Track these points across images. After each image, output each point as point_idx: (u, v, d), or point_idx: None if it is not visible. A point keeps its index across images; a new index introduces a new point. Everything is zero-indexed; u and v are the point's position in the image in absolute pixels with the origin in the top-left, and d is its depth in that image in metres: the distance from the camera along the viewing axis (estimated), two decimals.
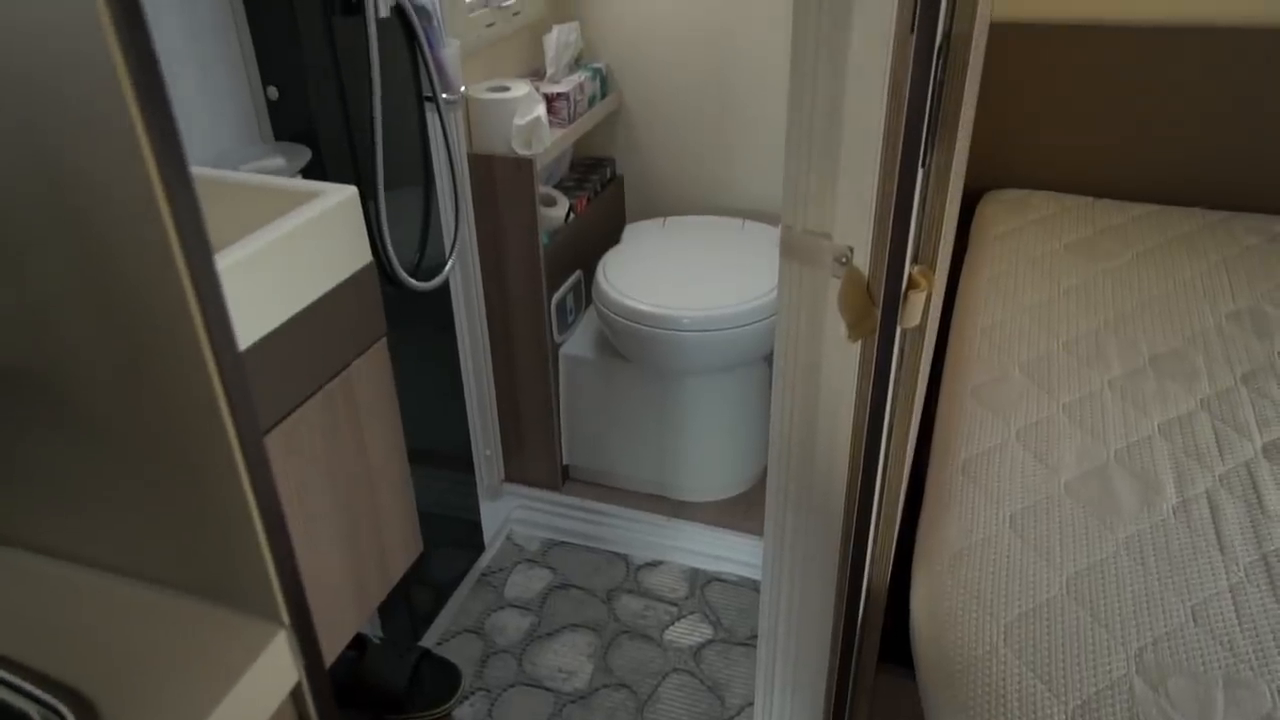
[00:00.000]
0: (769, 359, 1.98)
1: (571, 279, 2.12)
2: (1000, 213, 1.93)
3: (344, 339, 1.10)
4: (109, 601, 0.67)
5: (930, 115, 0.83)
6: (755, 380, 2.05)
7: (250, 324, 0.94)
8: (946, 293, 1.84)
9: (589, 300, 2.22)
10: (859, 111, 0.87)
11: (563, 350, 2.08)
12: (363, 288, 1.12)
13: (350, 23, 1.37)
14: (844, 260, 1.01)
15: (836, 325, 1.03)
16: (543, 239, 1.91)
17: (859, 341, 1.00)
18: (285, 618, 0.65)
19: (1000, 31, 1.93)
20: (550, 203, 2.06)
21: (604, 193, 2.25)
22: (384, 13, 1.39)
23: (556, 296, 2.03)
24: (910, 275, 0.92)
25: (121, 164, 0.54)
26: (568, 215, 2.06)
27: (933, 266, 0.96)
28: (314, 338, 1.04)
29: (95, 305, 0.61)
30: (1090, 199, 1.97)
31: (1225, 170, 1.89)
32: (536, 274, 1.92)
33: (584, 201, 2.15)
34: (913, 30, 0.77)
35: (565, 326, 2.11)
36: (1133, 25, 1.86)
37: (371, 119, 1.41)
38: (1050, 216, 1.90)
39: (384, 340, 1.18)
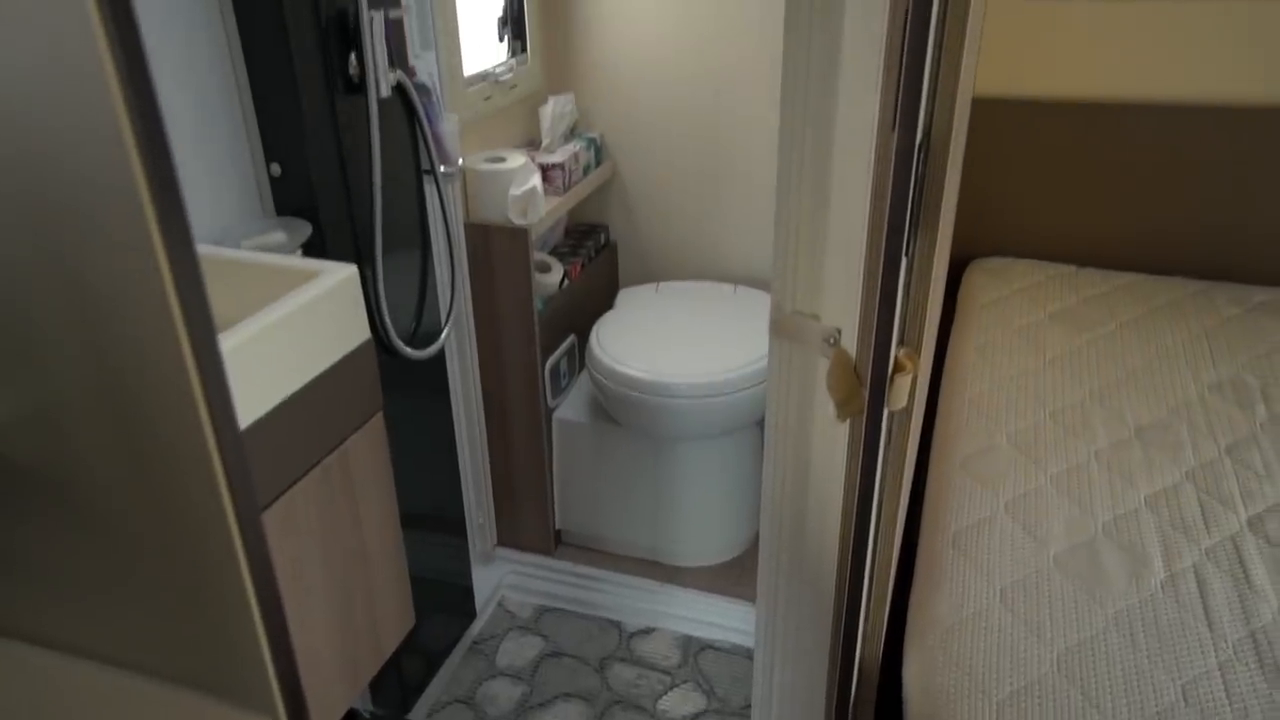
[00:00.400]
0: (761, 423, 2.00)
1: (565, 343, 2.14)
2: (986, 281, 1.96)
3: (341, 414, 1.12)
4: (105, 694, 0.67)
5: (913, 207, 0.86)
6: (748, 445, 2.06)
7: (251, 403, 0.96)
8: (935, 360, 1.87)
9: (583, 364, 2.24)
10: (844, 201, 0.91)
11: (556, 414, 2.10)
12: (361, 363, 1.14)
13: (352, 101, 1.41)
14: (832, 341, 1.03)
15: (826, 404, 1.05)
16: (537, 305, 1.94)
17: (848, 421, 1.02)
18: (280, 709, 0.66)
19: (984, 107, 1.99)
20: (545, 269, 2.09)
21: (598, 258, 2.29)
22: (385, 92, 1.43)
23: (550, 361, 2.05)
24: (896, 359, 0.94)
25: (133, 259, 0.55)
26: (562, 281, 2.09)
27: (918, 349, 0.98)
28: (312, 414, 1.05)
29: (99, 394, 0.62)
30: (1074, 268, 2.02)
31: (1204, 241, 1.94)
32: (531, 340, 1.94)
33: (578, 267, 2.18)
34: (894, 128, 0.81)
35: (559, 391, 2.13)
36: (1110, 103, 1.92)
37: (371, 194, 1.44)
38: (1035, 285, 1.94)
39: (380, 414, 1.19)
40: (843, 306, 1.00)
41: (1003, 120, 1.98)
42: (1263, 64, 1.81)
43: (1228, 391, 1.56)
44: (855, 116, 0.86)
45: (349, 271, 1.09)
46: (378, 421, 1.19)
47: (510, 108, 2.08)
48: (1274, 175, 1.85)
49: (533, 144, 2.17)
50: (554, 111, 2.10)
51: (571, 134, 2.22)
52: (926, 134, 0.86)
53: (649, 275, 2.40)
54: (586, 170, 2.17)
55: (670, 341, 1.98)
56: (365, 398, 1.16)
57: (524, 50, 2.12)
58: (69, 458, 0.65)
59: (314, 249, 1.38)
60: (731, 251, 2.31)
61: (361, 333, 1.13)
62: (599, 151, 2.25)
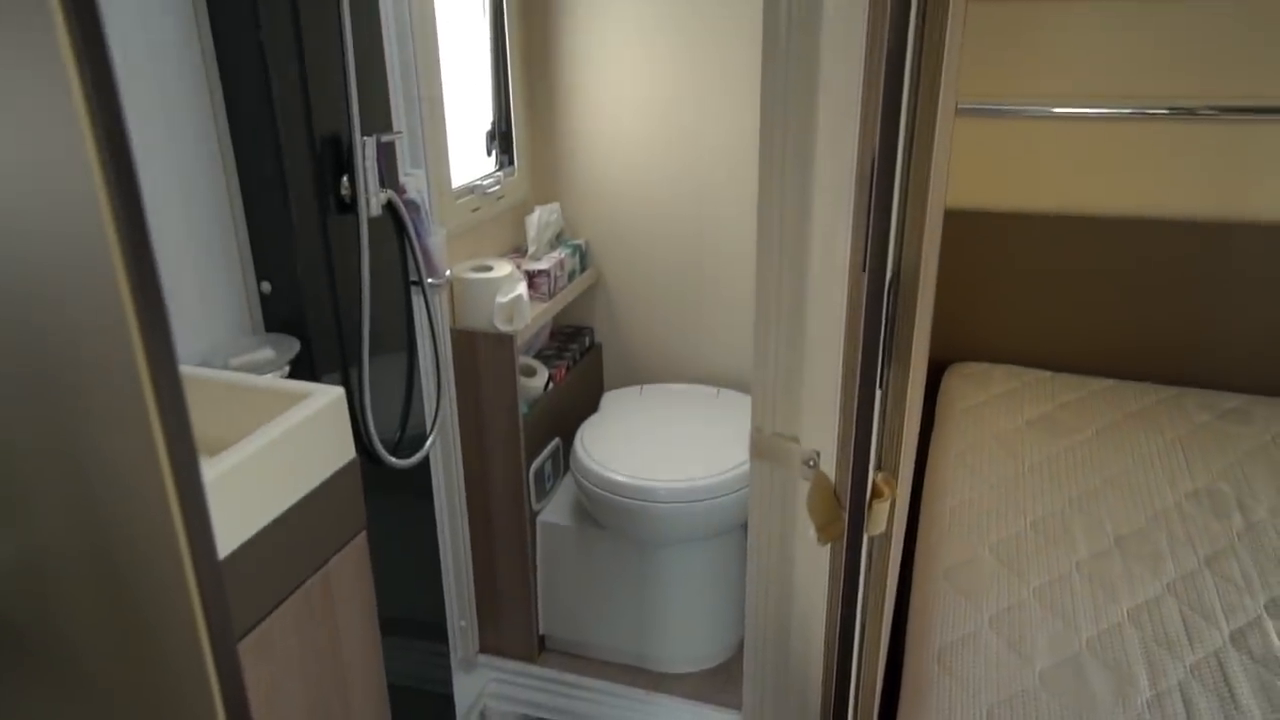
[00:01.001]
0: (746, 527, 2.00)
1: (550, 446, 2.15)
2: (964, 387, 2.00)
3: (324, 535, 1.12)
4: None
5: (885, 341, 0.89)
6: (733, 548, 2.06)
7: (234, 530, 0.96)
8: (916, 465, 1.89)
9: (567, 466, 2.24)
10: (820, 333, 0.94)
11: (540, 518, 2.09)
12: (345, 483, 1.14)
13: (343, 220, 1.45)
14: (811, 464, 1.05)
15: (807, 525, 1.06)
16: (522, 409, 1.96)
17: (829, 544, 1.03)
18: None
19: (959, 218, 2.06)
20: (530, 373, 2.11)
21: (583, 361, 2.32)
22: (376, 212, 1.48)
23: (535, 465, 2.06)
24: (874, 484, 0.96)
25: (117, 390, 0.56)
26: (547, 384, 2.11)
27: (896, 473, 1.00)
28: (295, 537, 1.06)
29: (71, 530, 0.62)
30: (1049, 373, 2.06)
31: (1173, 347, 1.99)
32: (516, 444, 1.95)
33: (563, 370, 2.21)
34: (864, 269, 0.84)
35: (543, 494, 2.13)
36: (1077, 216, 2.00)
37: (360, 310, 1.47)
38: (1012, 391, 1.98)
39: (364, 534, 1.19)
40: (821, 430, 1.02)
41: (977, 230, 2.05)
42: (1219, 184, 1.89)
43: (1204, 500, 1.59)
44: (828, 256, 0.90)
45: (336, 394, 1.10)
46: (361, 541, 1.19)
47: (497, 217, 2.14)
48: (1233, 287, 1.92)
49: (519, 251, 2.22)
50: (540, 220, 2.15)
51: (557, 241, 2.27)
52: (896, 273, 0.89)
53: (633, 377, 2.43)
54: (572, 276, 2.22)
55: (654, 445, 1.99)
56: (349, 517, 1.16)
57: (511, 163, 2.19)
58: (35, 597, 0.65)
59: (301, 363, 1.40)
60: (715, 354, 2.34)
61: (347, 452, 1.14)
62: (584, 257, 2.30)
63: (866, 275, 0.84)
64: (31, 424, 0.59)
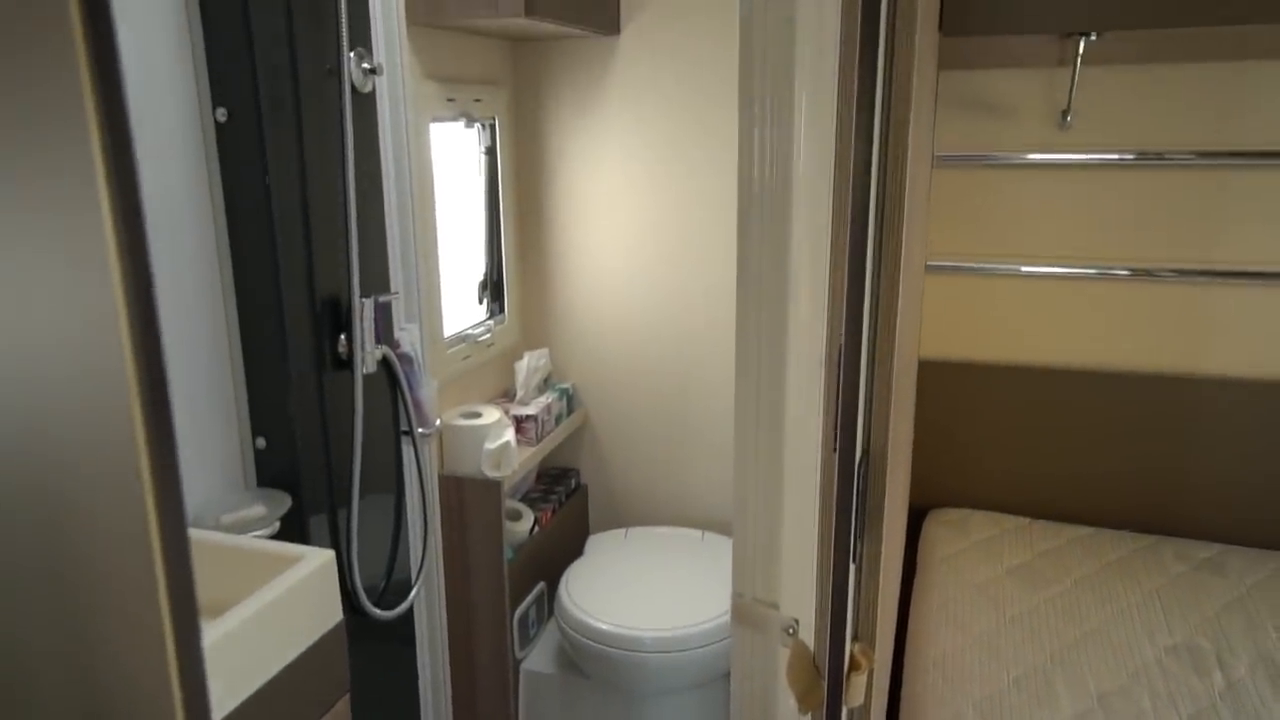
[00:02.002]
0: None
1: (535, 591, 2.14)
2: (944, 534, 2.03)
3: (308, 701, 1.12)
4: None
5: (857, 516, 0.93)
6: (718, 699, 2.03)
7: (221, 700, 0.97)
8: (899, 614, 1.89)
9: (552, 611, 2.23)
10: (796, 507, 0.98)
11: (524, 665, 2.07)
12: (331, 646, 1.15)
13: (339, 377, 1.51)
14: (791, 631, 1.07)
15: (788, 695, 1.07)
16: (507, 554, 1.97)
17: (809, 714, 1.04)
18: None
19: (934, 368, 2.14)
20: (516, 517, 2.13)
21: (569, 503, 2.34)
22: (371, 369, 1.53)
23: (519, 611, 2.05)
24: (852, 656, 0.98)
25: (127, 560, 0.58)
26: (533, 528, 2.13)
27: (873, 642, 1.03)
28: (278, 705, 1.06)
29: (66, 686, 0.64)
30: (1028, 520, 2.09)
31: (1147, 496, 2.04)
32: (500, 590, 1.95)
33: (549, 513, 2.23)
34: (835, 449, 0.89)
35: (527, 640, 2.11)
36: (1046, 368, 2.08)
37: (351, 465, 1.50)
38: (992, 538, 2.01)
39: (347, 697, 1.19)
40: (800, 598, 1.05)
41: (953, 381, 2.13)
42: (1181, 340, 1.98)
43: (1184, 656, 1.60)
44: (800, 435, 0.95)
45: (325, 558, 1.12)
46: (343, 705, 1.18)
47: (487, 363, 2.20)
48: (1200, 439, 1.98)
49: (507, 394, 2.28)
50: (529, 366, 2.22)
51: (545, 384, 2.33)
52: (866, 451, 0.94)
53: (619, 519, 2.45)
54: (559, 420, 2.27)
55: (639, 592, 1.99)
56: (333, 681, 1.16)
57: (502, 310, 2.27)
58: None
59: (292, 518, 1.42)
60: (699, 495, 2.37)
61: (334, 615, 1.16)
62: (571, 401, 2.35)
63: (837, 456, 0.89)
64: (33, 586, 0.61)
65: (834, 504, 0.89)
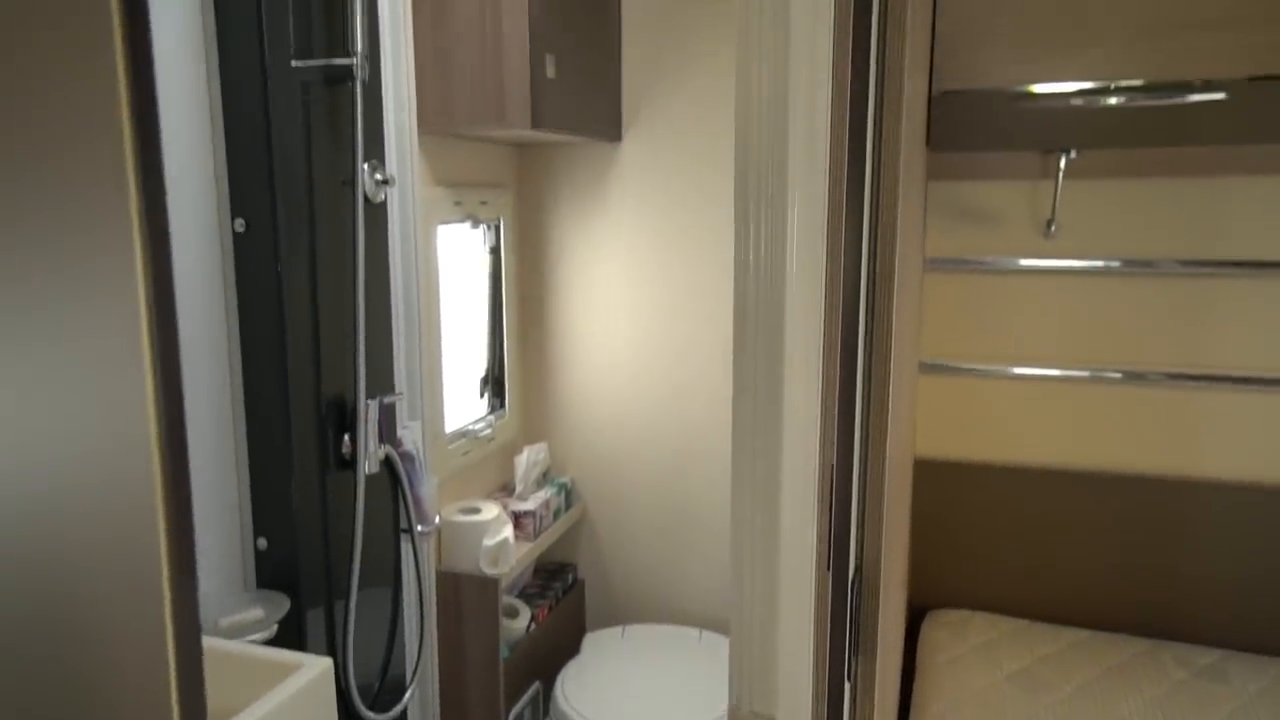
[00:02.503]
0: None
1: (530, 691, 2.12)
2: (943, 638, 2.02)
3: None
4: None
5: (851, 636, 0.94)
6: None
7: None
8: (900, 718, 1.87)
9: (547, 710, 2.20)
10: (792, 621, 0.99)
11: None
12: None
13: (341, 477, 1.53)
14: None
15: None
16: (503, 652, 1.95)
17: None
18: None
19: (931, 468, 2.16)
20: (513, 614, 2.12)
21: (566, 598, 2.33)
22: (374, 469, 1.56)
23: (514, 711, 2.02)
24: None
25: (139, 666, 0.59)
26: (529, 625, 2.11)
27: None
28: None
29: None
30: (1027, 622, 2.08)
31: (1145, 599, 2.03)
32: (495, 689, 1.93)
33: (546, 610, 2.22)
34: (828, 567, 0.91)
35: None
36: (1041, 469, 2.10)
37: (350, 565, 1.51)
38: (991, 641, 1.99)
39: None
40: (796, 712, 1.05)
41: (950, 480, 2.14)
42: (1176, 443, 2.01)
43: None
44: (795, 548, 0.97)
45: (324, 666, 1.13)
46: None
47: (487, 457, 2.22)
48: (1198, 542, 1.99)
49: (506, 488, 2.29)
50: (528, 460, 2.24)
51: (544, 478, 2.35)
52: (859, 568, 0.96)
53: (616, 614, 2.43)
54: (557, 515, 2.27)
55: (635, 694, 1.97)
56: None
57: (502, 405, 2.30)
58: None
59: (289, 619, 1.42)
60: (697, 591, 2.36)
61: None
62: (569, 495, 2.36)
63: (830, 573, 0.91)
64: (46, 690, 0.62)
65: (828, 622, 0.91)
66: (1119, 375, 2.03)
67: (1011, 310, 2.10)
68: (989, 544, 2.13)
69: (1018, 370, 2.10)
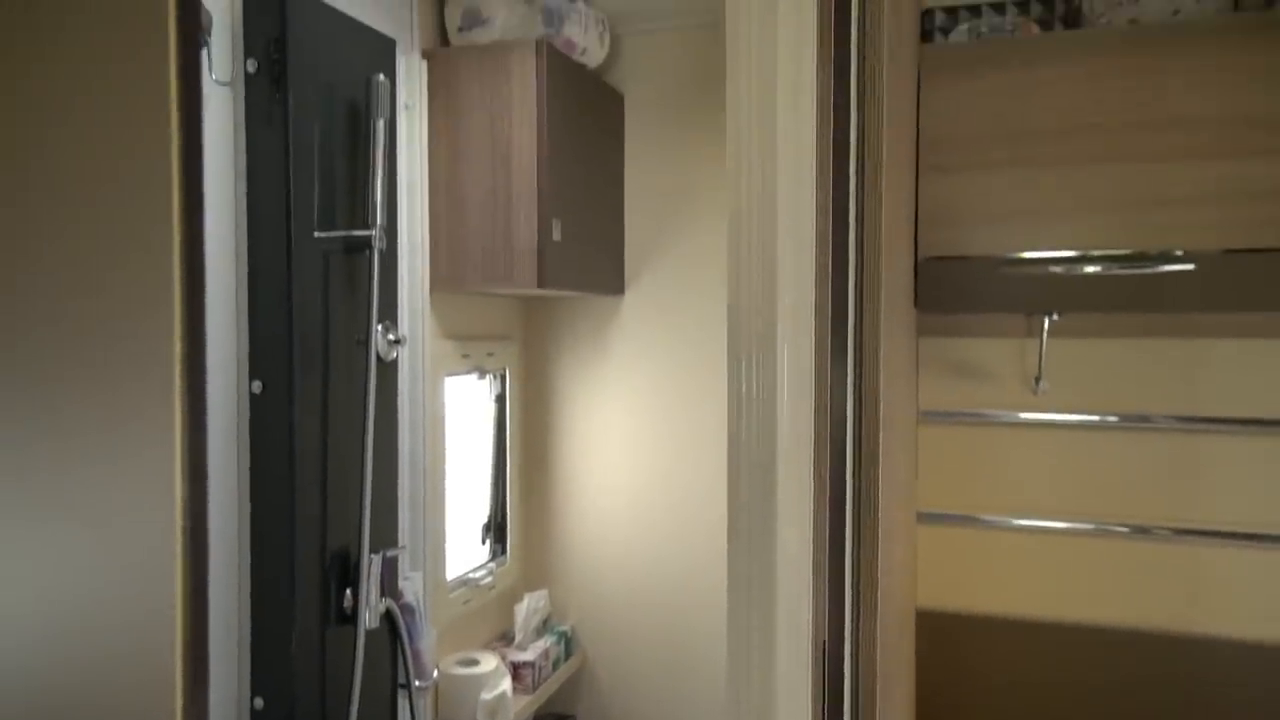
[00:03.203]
0: None
1: None
2: None
3: None
4: None
5: None
6: None
7: None
8: None
9: None
10: None
11: None
12: None
13: (341, 631, 1.53)
14: None
15: None
16: None
17: None
18: None
19: (932, 619, 2.14)
20: None
21: None
22: (374, 624, 1.56)
23: None
24: None
25: None
26: None
27: None
28: None
29: None
30: None
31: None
32: None
33: None
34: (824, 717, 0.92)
35: None
36: (1046, 623, 2.08)
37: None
38: None
39: None
40: None
41: (951, 631, 2.13)
42: (1190, 601, 2.00)
43: None
44: (790, 695, 0.98)
45: None
46: None
47: (487, 605, 2.21)
48: (1207, 700, 1.95)
49: (506, 637, 2.27)
50: (528, 608, 2.23)
51: (544, 626, 2.33)
52: (855, 690, 0.96)
53: None
54: (556, 665, 2.24)
55: None
56: None
57: (504, 551, 2.31)
58: None
59: None
60: None
61: None
62: (569, 644, 2.34)
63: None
64: None
65: None
66: (1125, 530, 2.04)
67: (1010, 462, 2.13)
68: (992, 696, 2.09)
69: (1018, 521, 2.11)
